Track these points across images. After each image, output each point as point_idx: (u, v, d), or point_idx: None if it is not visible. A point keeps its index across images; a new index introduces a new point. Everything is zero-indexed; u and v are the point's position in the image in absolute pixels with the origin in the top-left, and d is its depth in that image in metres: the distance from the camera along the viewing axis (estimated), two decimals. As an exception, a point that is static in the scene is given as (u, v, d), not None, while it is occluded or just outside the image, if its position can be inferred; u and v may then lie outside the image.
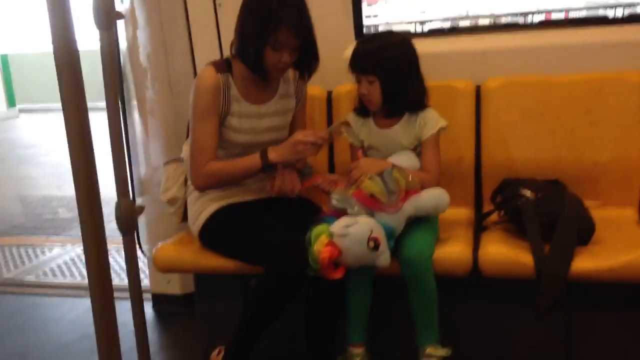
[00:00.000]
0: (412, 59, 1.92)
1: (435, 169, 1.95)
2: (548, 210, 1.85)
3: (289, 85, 2.03)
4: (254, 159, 1.86)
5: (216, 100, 1.88)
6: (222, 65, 1.92)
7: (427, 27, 2.57)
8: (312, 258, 1.68)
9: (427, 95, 1.97)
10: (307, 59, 1.93)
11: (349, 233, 1.67)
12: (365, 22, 2.50)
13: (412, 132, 1.96)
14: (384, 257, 1.71)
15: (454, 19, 2.59)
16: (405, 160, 1.94)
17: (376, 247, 1.68)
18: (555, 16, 2.41)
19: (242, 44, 1.86)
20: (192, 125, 1.90)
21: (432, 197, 1.83)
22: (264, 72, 1.88)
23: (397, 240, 1.80)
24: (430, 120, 1.94)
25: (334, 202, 1.77)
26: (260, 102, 1.96)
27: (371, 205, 1.75)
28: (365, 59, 1.90)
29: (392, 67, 1.88)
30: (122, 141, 1.71)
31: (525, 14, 2.49)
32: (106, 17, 1.59)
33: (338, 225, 1.70)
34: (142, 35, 2.40)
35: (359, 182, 1.81)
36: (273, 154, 1.84)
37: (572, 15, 2.39)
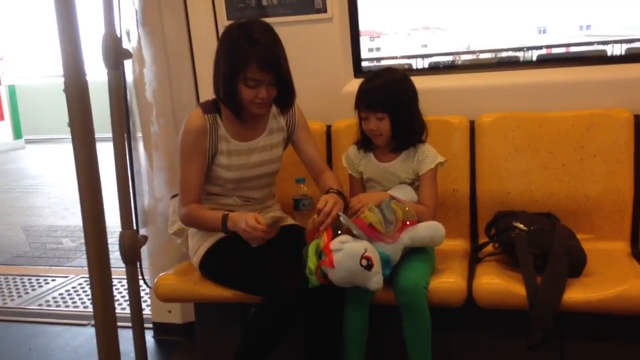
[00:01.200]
0: (414, 93, 2.01)
1: (432, 203, 2.01)
2: (540, 243, 1.89)
3: (279, 119, 2.09)
4: (217, 221, 1.93)
5: (202, 141, 1.96)
6: (210, 107, 1.99)
7: (428, 62, 2.64)
8: (308, 270, 1.76)
9: (427, 129, 2.04)
10: (282, 92, 1.97)
11: (343, 248, 1.74)
12: (368, 55, 2.59)
13: (410, 166, 2.03)
14: (376, 279, 1.75)
15: (455, 54, 2.66)
16: (403, 193, 2.00)
17: (369, 266, 1.73)
18: (556, 51, 2.49)
19: (216, 84, 1.94)
20: (179, 165, 2.00)
21: (427, 228, 1.89)
22: (240, 109, 1.93)
23: (393, 270, 1.84)
24: (429, 156, 2.01)
25: (341, 219, 1.82)
26: (249, 138, 2.03)
27: (370, 234, 1.80)
28: (373, 96, 1.95)
29: (400, 102, 1.96)
30: (128, 175, 1.78)
31: (526, 49, 2.57)
32: (114, 57, 1.67)
33: (335, 241, 1.77)
34: (148, 73, 2.48)
35: (359, 213, 1.87)
36: (230, 224, 1.90)
37: (573, 50, 2.47)
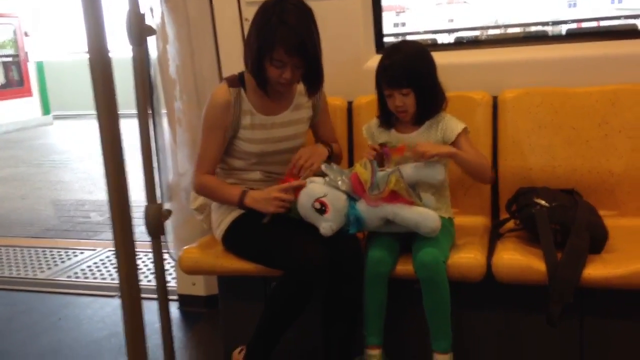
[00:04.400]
0: (434, 63, 1.99)
1: (482, 155, 2.04)
2: (561, 219, 1.89)
3: (304, 97, 2.10)
4: (234, 195, 1.98)
5: (225, 116, 1.99)
6: (235, 81, 2.02)
7: (454, 37, 2.62)
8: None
9: (447, 99, 2.03)
10: (309, 76, 1.99)
11: (308, 187, 1.87)
12: (393, 30, 2.57)
13: (434, 137, 2.01)
14: (325, 225, 1.83)
15: (481, 28, 2.63)
16: (427, 173, 1.92)
17: (320, 211, 1.83)
18: (585, 25, 2.45)
19: (246, 56, 1.96)
20: (200, 136, 2.04)
21: (416, 213, 1.83)
22: (265, 84, 1.95)
23: (412, 244, 1.87)
24: (451, 123, 2.00)
25: (323, 166, 1.90)
26: (274, 113, 2.05)
27: (356, 187, 1.83)
28: (396, 72, 1.93)
29: (422, 75, 1.95)
30: (151, 149, 1.81)
31: (555, 23, 2.53)
32: (138, 33, 1.69)
33: (318, 179, 1.90)
34: (171, 49, 2.50)
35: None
36: (249, 199, 1.95)
37: (603, 24, 2.43)
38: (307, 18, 1.90)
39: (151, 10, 2.48)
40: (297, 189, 1.90)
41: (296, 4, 1.90)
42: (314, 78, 2.00)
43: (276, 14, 1.85)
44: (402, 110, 1.97)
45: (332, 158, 2.10)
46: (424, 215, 1.82)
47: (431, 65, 1.98)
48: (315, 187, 1.86)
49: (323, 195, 1.83)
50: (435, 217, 1.83)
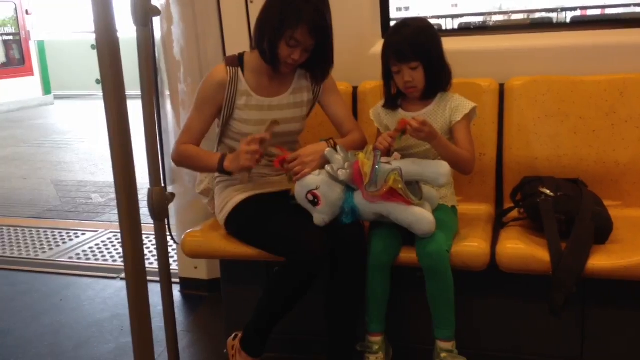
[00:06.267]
0: (440, 39, 1.98)
1: (472, 149, 1.97)
2: (566, 208, 1.88)
3: (305, 79, 2.08)
4: (213, 160, 1.96)
5: (219, 94, 1.98)
6: (234, 61, 2.01)
7: (458, 22, 2.58)
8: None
9: (452, 76, 2.01)
10: (320, 61, 1.97)
11: (304, 179, 1.86)
12: (396, 14, 2.54)
13: (443, 116, 2.00)
14: (317, 217, 1.86)
15: (486, 14, 2.60)
16: (430, 169, 1.83)
17: (313, 202, 1.84)
18: (591, 12, 2.42)
19: (259, 33, 1.93)
20: (191, 107, 2.04)
21: (411, 214, 1.79)
22: (277, 62, 1.94)
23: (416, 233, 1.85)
24: (462, 102, 1.99)
25: (326, 151, 1.87)
26: (272, 95, 2.04)
27: (357, 179, 1.81)
28: (405, 46, 1.92)
29: (431, 49, 1.94)
30: (156, 133, 1.81)
31: (560, 10, 2.50)
32: (143, 14, 1.67)
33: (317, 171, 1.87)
34: (176, 30, 2.48)
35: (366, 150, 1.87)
36: (227, 162, 1.93)
37: (608, 12, 2.40)
38: (326, 1, 1.90)
39: (156, -10, 2.45)
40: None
41: None
42: (325, 63, 1.99)
43: None
44: (411, 86, 1.96)
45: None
46: (418, 217, 1.79)
47: (438, 39, 1.98)
48: (308, 179, 1.85)
49: (315, 188, 1.83)
50: (430, 219, 1.80)
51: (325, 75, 2.05)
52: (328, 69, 2.03)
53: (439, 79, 1.98)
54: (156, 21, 2.47)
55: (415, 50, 1.91)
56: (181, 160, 2.06)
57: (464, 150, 1.95)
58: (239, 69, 2.00)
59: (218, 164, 1.95)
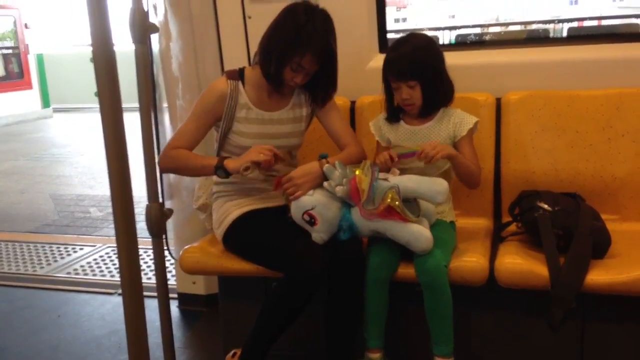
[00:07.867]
0: (441, 55, 1.98)
1: (477, 162, 2.01)
2: (564, 223, 1.88)
3: (302, 95, 2.10)
4: (211, 159, 1.95)
5: (218, 107, 1.99)
6: (235, 74, 2.03)
7: (455, 34, 2.60)
8: None
9: (454, 90, 2.03)
10: (324, 84, 2.00)
11: (300, 199, 1.84)
12: (394, 26, 2.55)
13: (446, 130, 2.01)
14: (315, 235, 1.85)
15: (483, 26, 2.61)
16: (427, 186, 1.82)
17: (310, 222, 1.84)
18: (587, 24, 2.44)
19: (266, 57, 1.94)
20: (188, 116, 2.03)
21: (408, 232, 1.79)
22: (280, 85, 1.98)
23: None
24: (465, 117, 2.01)
25: (325, 167, 1.84)
26: (272, 109, 2.05)
27: (354, 195, 1.80)
28: (403, 64, 1.93)
29: (429, 67, 1.94)
30: (154, 149, 1.81)
31: (556, 21, 2.51)
32: (141, 31, 1.68)
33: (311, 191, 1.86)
34: (174, 46, 2.49)
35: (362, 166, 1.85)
36: (228, 161, 1.91)
37: (605, 23, 2.42)
38: (333, 27, 1.92)
39: (154, 7, 2.46)
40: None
41: (323, 11, 1.92)
42: (328, 87, 2.02)
43: (310, 21, 1.86)
44: (408, 103, 1.97)
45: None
46: (415, 235, 1.79)
47: (438, 57, 1.98)
48: (304, 200, 1.84)
49: (311, 208, 1.82)
50: (428, 237, 1.79)
51: (327, 99, 2.06)
52: (331, 94, 2.05)
53: (437, 95, 1.99)
54: (154, 37, 2.48)
55: (413, 68, 1.92)
56: (171, 162, 1.99)
57: (472, 164, 1.97)
58: (240, 83, 2.02)
59: (217, 162, 1.92)
